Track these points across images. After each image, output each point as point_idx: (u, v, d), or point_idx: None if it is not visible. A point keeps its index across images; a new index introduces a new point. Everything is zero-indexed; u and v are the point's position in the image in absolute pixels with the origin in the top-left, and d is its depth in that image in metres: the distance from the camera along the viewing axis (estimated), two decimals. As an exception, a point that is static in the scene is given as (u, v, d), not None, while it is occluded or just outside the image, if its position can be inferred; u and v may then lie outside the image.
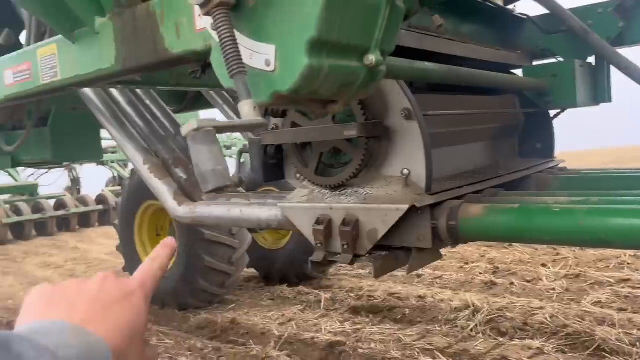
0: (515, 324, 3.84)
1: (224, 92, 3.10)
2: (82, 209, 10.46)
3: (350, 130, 1.46)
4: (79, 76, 2.04)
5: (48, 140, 3.63)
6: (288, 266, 5.40)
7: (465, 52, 2.01)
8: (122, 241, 5.35)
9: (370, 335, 3.98)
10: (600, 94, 2.38)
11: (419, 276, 5.42)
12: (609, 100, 2.43)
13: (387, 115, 1.53)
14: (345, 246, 1.50)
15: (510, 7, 2.56)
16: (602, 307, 4.05)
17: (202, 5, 0.87)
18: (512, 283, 4.85)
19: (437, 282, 5.24)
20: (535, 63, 2.54)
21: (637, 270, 4.66)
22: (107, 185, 13.59)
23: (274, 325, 4.35)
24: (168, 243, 0.79)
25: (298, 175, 1.74)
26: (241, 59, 0.87)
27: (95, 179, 13.98)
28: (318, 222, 1.56)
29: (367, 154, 1.56)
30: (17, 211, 9.54)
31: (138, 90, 2.82)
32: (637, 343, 3.31)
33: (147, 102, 2.81)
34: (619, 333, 3.48)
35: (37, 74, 2.22)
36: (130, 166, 14.11)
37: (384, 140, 1.56)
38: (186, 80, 2.57)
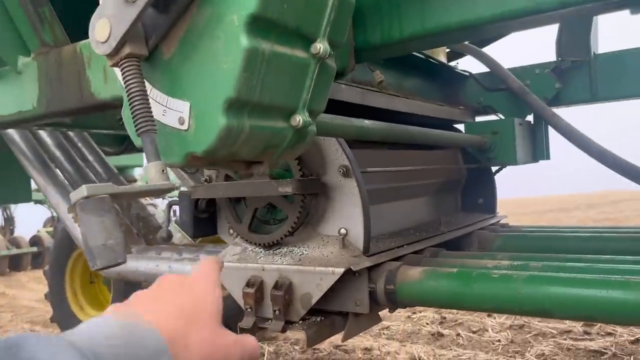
0: (461, 379, 3.76)
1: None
2: (14, 251, 9.80)
3: (286, 187, 1.38)
4: (-2, 117, 1.88)
5: (-28, 180, 3.37)
6: (229, 316, 5.15)
7: (408, 108, 2.00)
8: (51, 289, 4.99)
9: (314, 392, 3.80)
10: (539, 151, 2.43)
11: (366, 326, 5.29)
12: (547, 157, 2.48)
13: (324, 172, 1.46)
14: (277, 312, 1.39)
15: (453, 63, 2.61)
16: (545, 360, 4.05)
17: (109, 56, 0.78)
18: (458, 334, 4.81)
19: (384, 333, 5.13)
20: (477, 119, 2.58)
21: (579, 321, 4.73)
22: (44, 226, 12.87)
23: (213, 382, 4.08)
24: (220, 260, 0.81)
25: (231, 231, 1.64)
26: (151, 116, 0.78)
27: (32, 218, 13.21)
28: (249, 284, 1.44)
29: (304, 211, 1.48)
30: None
31: (70, 133, 2.66)
32: (580, 399, 3.29)
33: (80, 145, 2.65)
34: (562, 388, 3.46)
35: (-48, 113, 2.04)
36: (71, 205, 13.43)
37: (322, 197, 1.48)
38: (120, 123, 2.44)
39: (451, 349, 4.43)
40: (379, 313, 1.60)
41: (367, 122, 1.37)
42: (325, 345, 4.77)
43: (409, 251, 1.60)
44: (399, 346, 4.64)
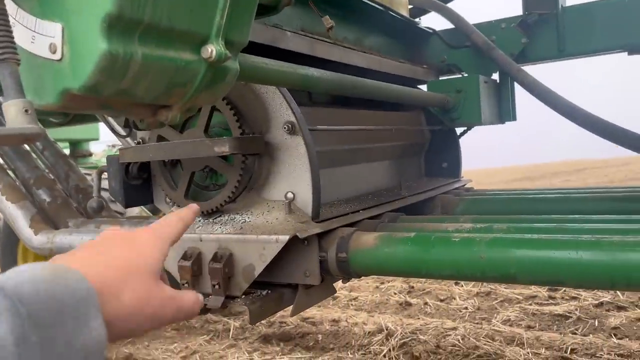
0: (428, 347, 3.72)
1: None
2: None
3: (222, 146, 1.21)
4: None
5: None
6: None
7: (366, 63, 1.84)
8: (3, 269, 4.73)
9: (280, 366, 3.71)
10: (505, 112, 2.31)
11: (334, 298, 5.24)
12: (514, 118, 2.37)
13: (268, 129, 1.30)
14: (216, 286, 1.24)
15: (416, 20, 2.45)
16: (511, 326, 4.05)
17: (-50, -38, 0.59)
18: (426, 303, 4.78)
19: (352, 304, 5.08)
20: (441, 78, 2.44)
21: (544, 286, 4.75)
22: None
23: (176, 359, 3.96)
24: (196, 208, 0.80)
25: (168, 200, 1.47)
26: (11, 41, 0.60)
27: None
28: (185, 256, 1.29)
29: (246, 174, 1.32)
30: None
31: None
32: (545, 363, 3.29)
33: (10, 111, 2.41)
34: (528, 353, 3.46)
35: None
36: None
37: (266, 158, 1.32)
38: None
39: (419, 318, 4.39)
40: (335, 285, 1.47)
41: (313, 70, 1.21)
42: (293, 319, 4.68)
43: (365, 217, 1.47)
44: (367, 317, 4.58)
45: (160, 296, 0.63)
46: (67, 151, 5.95)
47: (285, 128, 1.27)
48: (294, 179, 1.28)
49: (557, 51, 2.18)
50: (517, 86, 2.36)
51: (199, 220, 1.37)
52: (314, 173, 1.26)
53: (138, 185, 1.47)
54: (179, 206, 1.40)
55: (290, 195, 1.28)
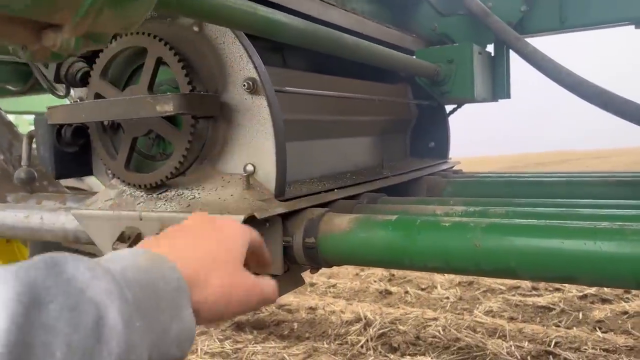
0: (407, 338, 3.57)
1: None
2: None
3: (165, 104, 0.99)
4: None
5: None
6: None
7: (348, 23, 1.62)
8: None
9: (252, 355, 3.54)
10: (499, 88, 2.12)
11: (312, 285, 5.07)
12: (508, 96, 2.18)
13: (224, 88, 1.08)
14: (157, 274, 1.02)
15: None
16: (493, 317, 3.92)
17: None
18: (406, 292, 4.64)
19: (330, 291, 4.92)
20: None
21: (527, 276, 4.64)
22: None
23: (142, 347, 3.76)
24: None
25: (109, 171, 1.24)
26: None
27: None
28: (122, 238, 1.07)
29: (197, 141, 1.10)
30: None
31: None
32: (528, 357, 3.16)
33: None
34: (510, 346, 3.33)
35: None
36: None
37: (222, 123, 1.11)
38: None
39: (399, 307, 4.25)
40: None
41: (279, 14, 0.99)
42: (268, 306, 4.50)
43: (340, 196, 1.26)
44: (345, 305, 4.42)
45: (244, 284, 0.66)
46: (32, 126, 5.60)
47: (245, 86, 1.05)
48: (254, 148, 1.07)
49: (559, 22, 1.98)
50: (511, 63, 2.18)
51: (141, 196, 1.15)
52: (279, 141, 1.05)
53: (73, 153, 1.24)
54: (119, 178, 1.18)
55: (250, 167, 1.07)
